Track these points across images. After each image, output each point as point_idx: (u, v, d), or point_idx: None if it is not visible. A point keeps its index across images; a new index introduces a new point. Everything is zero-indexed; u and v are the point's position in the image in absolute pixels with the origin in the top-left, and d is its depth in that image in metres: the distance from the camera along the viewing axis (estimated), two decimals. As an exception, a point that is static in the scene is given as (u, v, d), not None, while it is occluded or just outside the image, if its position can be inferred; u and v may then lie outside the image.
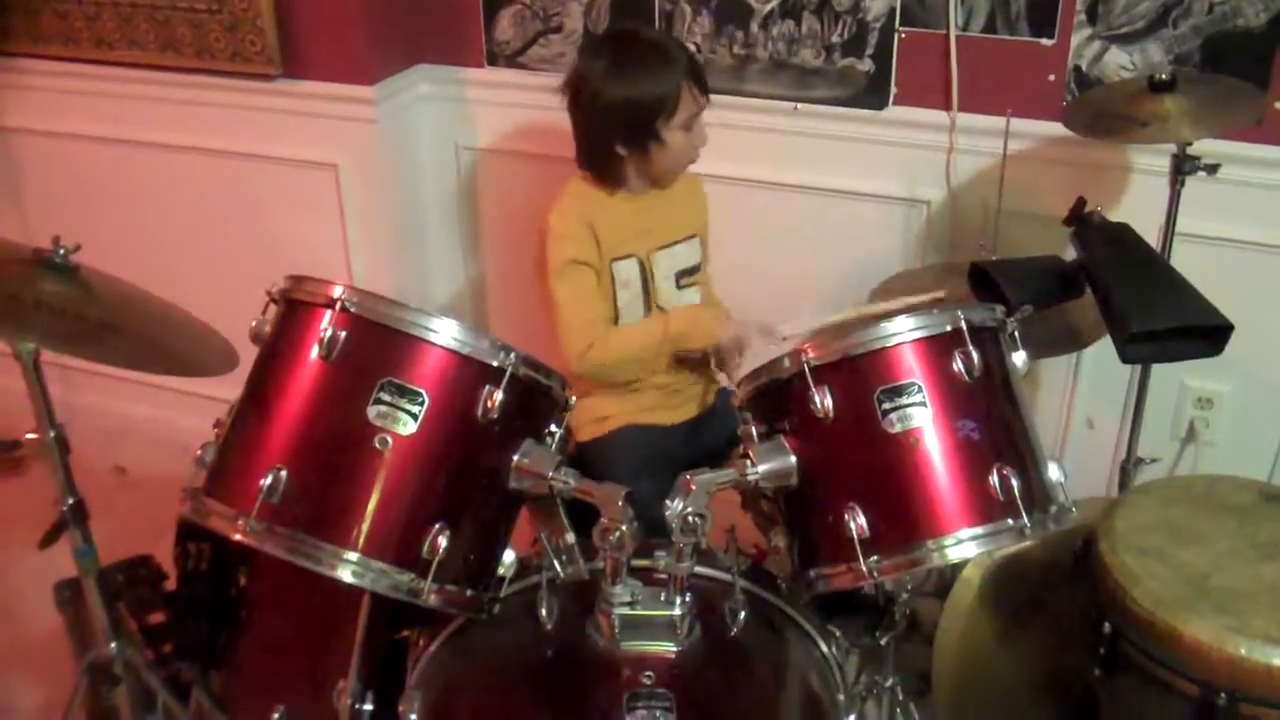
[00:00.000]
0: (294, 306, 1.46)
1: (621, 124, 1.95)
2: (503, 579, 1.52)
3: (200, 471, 1.45)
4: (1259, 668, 1.52)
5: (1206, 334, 1.81)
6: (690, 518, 1.42)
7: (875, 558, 1.41)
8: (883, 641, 1.81)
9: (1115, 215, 1.97)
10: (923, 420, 1.41)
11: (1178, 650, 1.58)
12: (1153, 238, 2.02)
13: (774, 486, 1.49)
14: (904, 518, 1.41)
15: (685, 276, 2.10)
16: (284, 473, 1.36)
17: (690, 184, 2.14)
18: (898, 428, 1.41)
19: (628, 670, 1.45)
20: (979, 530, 1.40)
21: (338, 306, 1.40)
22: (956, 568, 1.97)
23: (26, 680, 2.34)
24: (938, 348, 1.44)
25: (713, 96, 2.05)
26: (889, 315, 1.47)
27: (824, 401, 1.43)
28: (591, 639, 1.50)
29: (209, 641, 1.85)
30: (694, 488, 1.44)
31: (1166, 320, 1.80)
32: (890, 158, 2.42)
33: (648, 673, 1.43)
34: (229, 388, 1.53)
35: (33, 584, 2.04)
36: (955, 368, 1.43)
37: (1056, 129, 2.14)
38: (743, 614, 1.53)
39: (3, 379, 1.94)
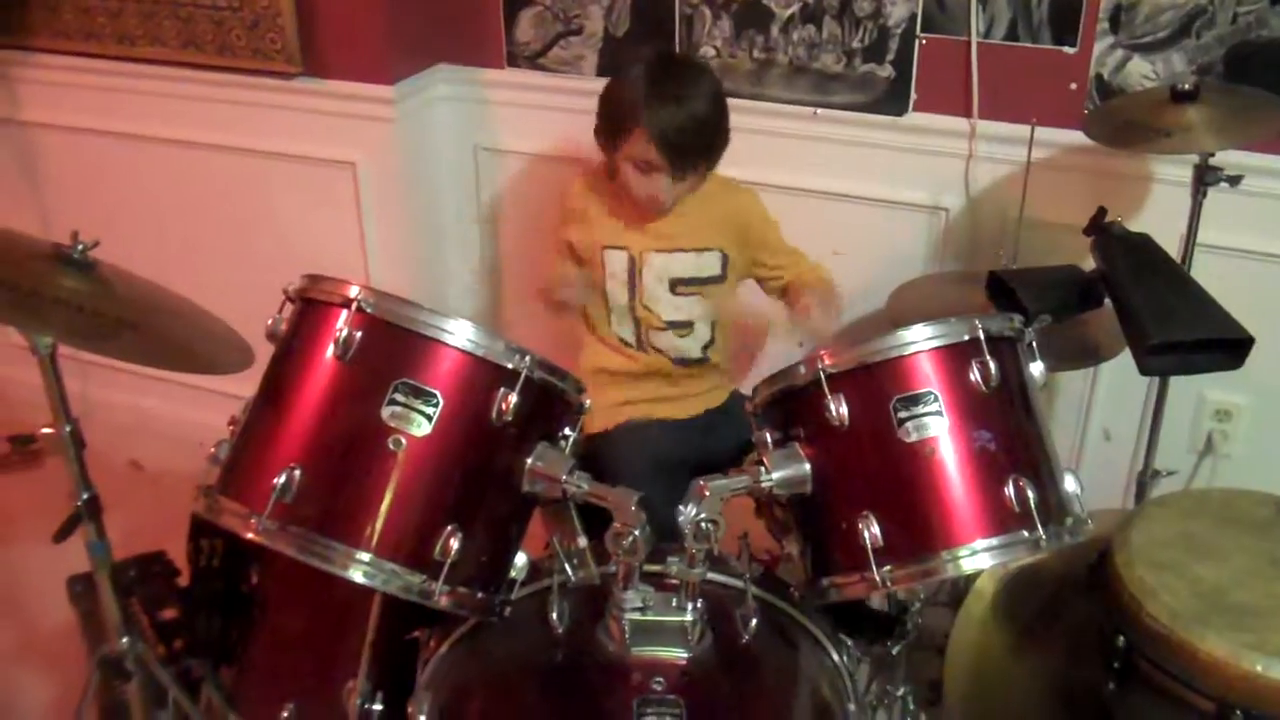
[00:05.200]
0: (310, 306, 1.47)
1: (599, 113, 2.06)
2: (514, 582, 1.52)
3: (214, 469, 1.45)
4: (1275, 685, 1.51)
5: (1227, 346, 1.80)
6: (703, 524, 1.42)
7: (889, 567, 1.40)
8: (894, 651, 1.80)
9: (1136, 226, 1.96)
10: (939, 430, 1.41)
11: (1193, 666, 1.56)
12: (1174, 249, 2.01)
13: (788, 494, 1.48)
14: (918, 528, 1.41)
15: (685, 285, 2.11)
16: (298, 472, 1.36)
17: (734, 200, 2.16)
18: (913, 437, 1.41)
19: (638, 676, 1.44)
20: (994, 541, 1.40)
21: (354, 306, 1.39)
22: (970, 578, 1.95)
23: (39, 674, 2.35)
24: (955, 357, 1.44)
25: (732, 101, 2.05)
26: None
27: (839, 409, 1.43)
28: (602, 644, 1.50)
29: (220, 638, 1.85)
30: (707, 494, 1.43)
31: (1187, 332, 1.78)
32: (909, 164, 2.41)
33: (658, 679, 1.43)
34: (244, 385, 1.53)
35: (46, 578, 2.05)
36: (972, 377, 1.43)
37: (1077, 138, 2.12)
38: (754, 621, 1.53)
39: (20, 373, 1.95)
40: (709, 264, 2.11)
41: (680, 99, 1.96)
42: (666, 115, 1.95)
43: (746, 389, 1.69)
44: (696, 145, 1.98)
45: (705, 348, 2.16)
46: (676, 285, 2.10)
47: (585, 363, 2.16)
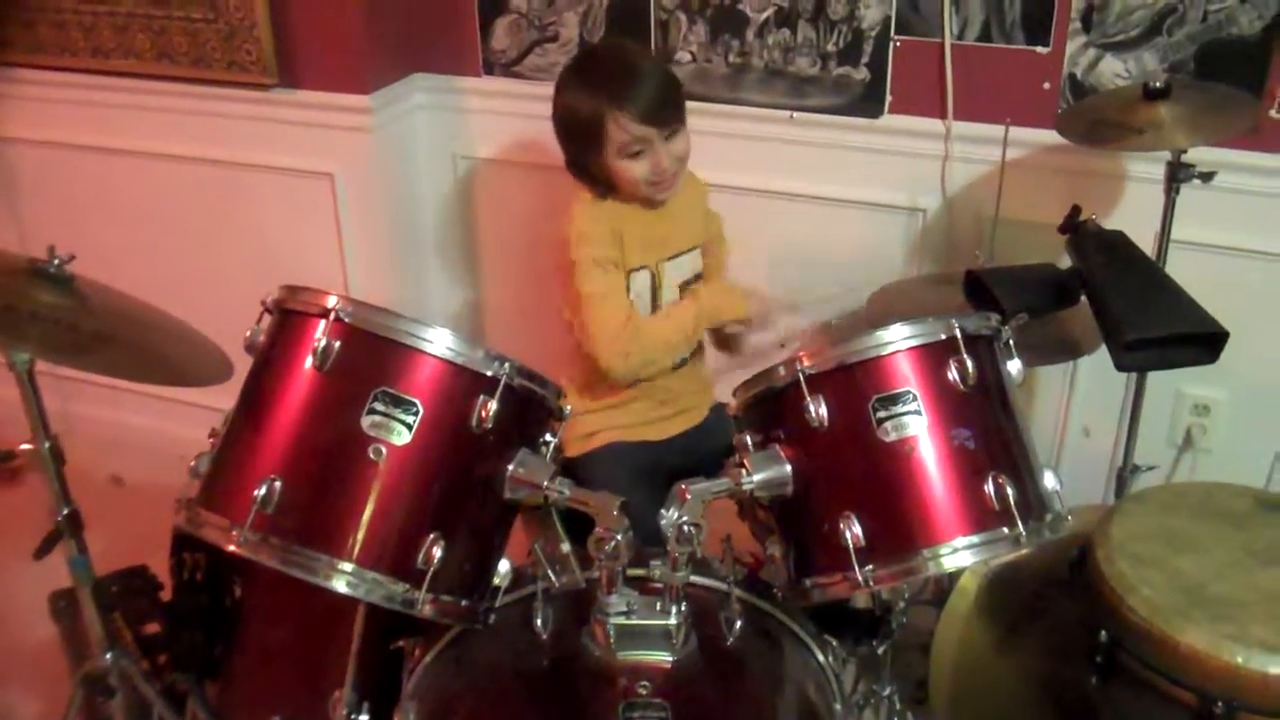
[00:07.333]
0: (288, 316, 1.46)
1: (565, 139, 1.98)
2: (498, 589, 1.52)
3: (195, 482, 1.44)
4: (1256, 676, 1.52)
5: (1202, 341, 1.81)
6: (685, 527, 1.42)
7: (871, 567, 1.41)
8: (879, 650, 1.81)
9: (1110, 223, 1.98)
10: (918, 429, 1.41)
11: (1175, 659, 1.57)
12: (1148, 245, 2.02)
13: (769, 495, 1.49)
14: (899, 527, 1.41)
15: (687, 286, 2.10)
16: (278, 483, 1.35)
17: (694, 192, 2.14)
18: (893, 436, 1.41)
19: (623, 680, 1.44)
20: (974, 539, 1.40)
21: (332, 316, 1.39)
22: (953, 576, 1.96)
23: (21, 691, 2.33)
24: (932, 356, 1.44)
25: (709, 105, 2.04)
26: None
27: (819, 410, 1.43)
28: (587, 649, 1.50)
29: (205, 652, 1.84)
30: (689, 497, 1.43)
31: (1162, 328, 1.80)
32: (886, 166, 2.42)
33: (643, 682, 1.43)
34: (224, 397, 1.52)
35: (28, 594, 2.04)
36: (950, 376, 1.43)
37: (1051, 137, 2.14)
38: (739, 623, 1.53)
39: (-2, 389, 1.94)
40: (697, 261, 2.12)
41: (628, 67, 1.94)
42: (623, 80, 1.90)
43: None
44: (667, 99, 1.92)
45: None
46: (682, 289, 2.08)
47: (580, 405, 2.06)
